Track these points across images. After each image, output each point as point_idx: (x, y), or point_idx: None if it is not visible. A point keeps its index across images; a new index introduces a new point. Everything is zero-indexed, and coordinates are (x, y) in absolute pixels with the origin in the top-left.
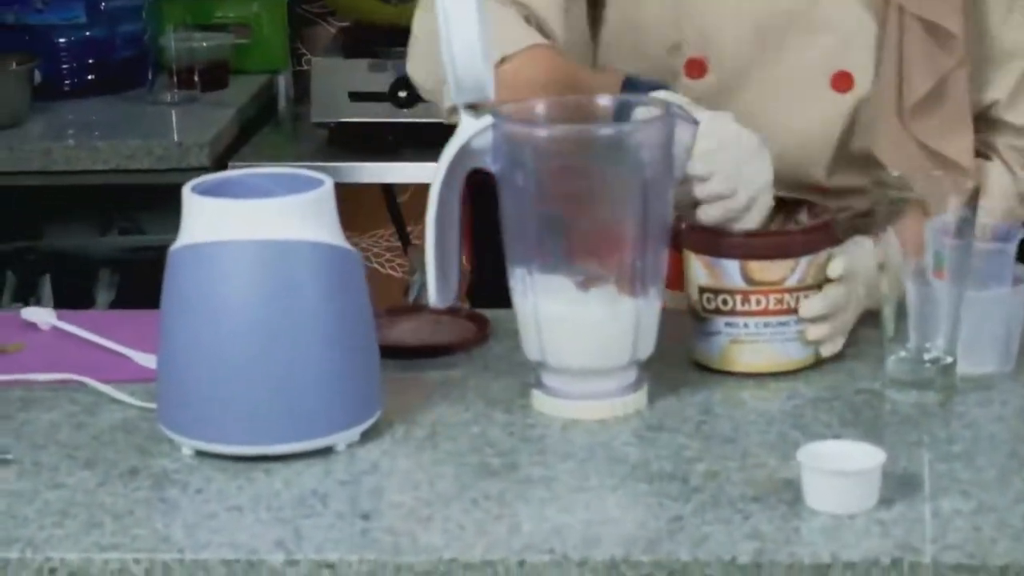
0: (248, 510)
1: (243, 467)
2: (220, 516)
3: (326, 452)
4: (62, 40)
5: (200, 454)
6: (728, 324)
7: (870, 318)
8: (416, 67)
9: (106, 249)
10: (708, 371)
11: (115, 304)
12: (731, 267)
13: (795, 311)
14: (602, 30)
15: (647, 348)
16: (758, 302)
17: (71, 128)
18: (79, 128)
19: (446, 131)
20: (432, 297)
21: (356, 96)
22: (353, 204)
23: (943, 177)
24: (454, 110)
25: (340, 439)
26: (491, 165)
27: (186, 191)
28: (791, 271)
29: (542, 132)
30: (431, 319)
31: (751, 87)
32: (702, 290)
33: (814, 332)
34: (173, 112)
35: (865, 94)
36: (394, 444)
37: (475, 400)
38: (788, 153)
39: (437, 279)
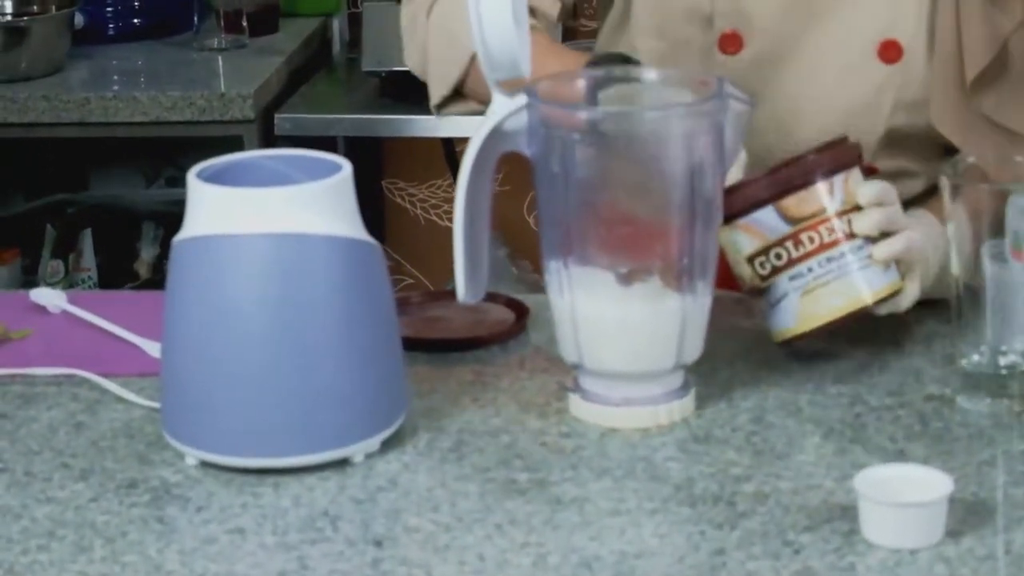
0: (251, 533)
1: (250, 480)
2: (220, 540)
3: (342, 464)
4: None
5: (205, 464)
6: (792, 277)
7: (943, 310)
8: (409, 55)
9: (150, 201)
10: (762, 372)
11: (160, 259)
12: (768, 216)
13: (854, 235)
14: (633, 7)
15: (695, 350)
16: (811, 239)
17: (112, 75)
18: (120, 75)
19: None
20: (460, 292)
21: None
22: (408, 153)
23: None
24: (442, 103)
25: (358, 450)
26: (525, 149)
27: (191, 177)
28: (829, 195)
29: (582, 113)
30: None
31: (791, 61)
32: (751, 258)
33: (880, 250)
34: (219, 59)
35: (917, 65)
36: (416, 455)
37: (507, 403)
38: (833, 133)
39: (466, 273)
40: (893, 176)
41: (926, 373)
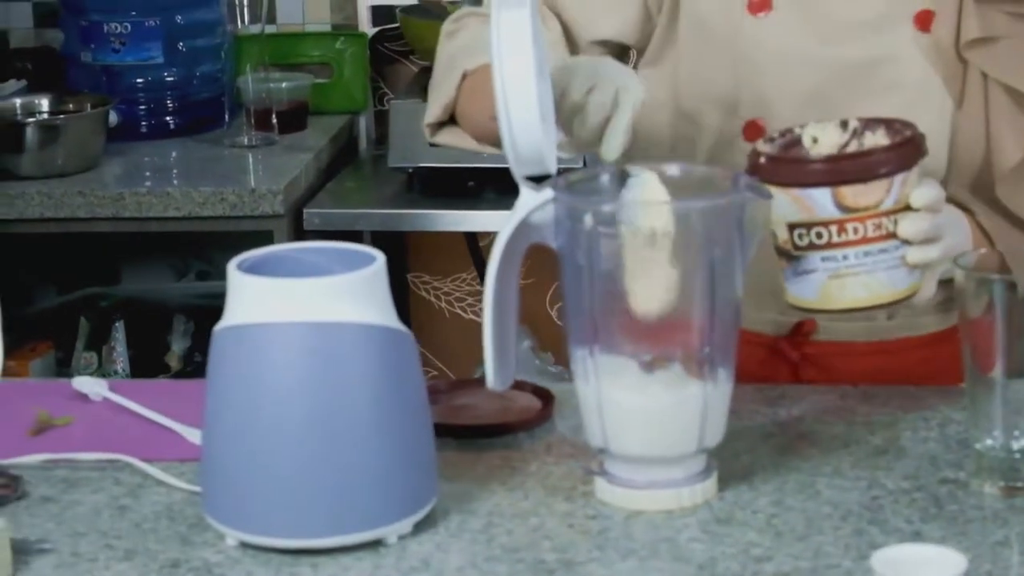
0: None
1: (288, 560)
2: None
3: (376, 544)
4: (139, 81)
5: (244, 545)
6: (825, 259)
7: (957, 397)
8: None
9: (181, 295)
10: (781, 457)
11: (190, 352)
12: (822, 196)
13: (894, 235)
14: (678, 86)
15: (716, 435)
16: (855, 230)
17: (146, 171)
18: (153, 172)
19: None
20: (490, 380)
21: None
22: (433, 246)
23: None
24: (436, 128)
25: (391, 531)
26: (552, 241)
27: (231, 268)
28: (887, 192)
29: (606, 207)
30: (494, 392)
31: None
32: (792, 226)
33: (915, 255)
34: (249, 155)
35: (940, 160)
36: (448, 536)
37: (535, 487)
38: None
39: (495, 361)
40: None
41: (941, 457)
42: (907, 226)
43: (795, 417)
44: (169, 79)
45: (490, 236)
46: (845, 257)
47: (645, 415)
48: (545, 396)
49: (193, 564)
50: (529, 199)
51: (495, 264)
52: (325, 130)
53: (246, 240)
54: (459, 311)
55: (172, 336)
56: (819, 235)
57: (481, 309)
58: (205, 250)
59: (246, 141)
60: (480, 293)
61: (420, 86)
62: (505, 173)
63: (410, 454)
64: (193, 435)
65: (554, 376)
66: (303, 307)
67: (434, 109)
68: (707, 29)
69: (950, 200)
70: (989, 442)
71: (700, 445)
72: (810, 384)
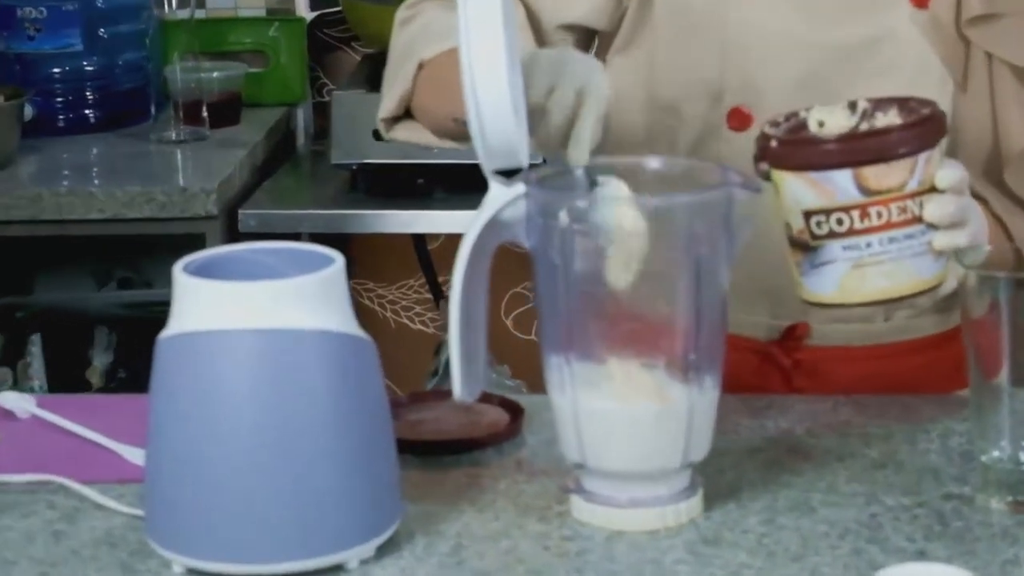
0: None
1: None
2: None
3: (336, 570)
4: (56, 71)
5: (192, 572)
6: (847, 247)
7: (958, 407)
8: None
9: (103, 304)
10: (770, 472)
11: (113, 367)
12: (843, 178)
13: (919, 220)
14: (655, 74)
15: (702, 448)
16: (879, 215)
17: (64, 170)
18: (73, 170)
19: (481, 173)
20: (457, 390)
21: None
22: (379, 251)
23: None
24: (390, 123)
25: (353, 555)
26: (524, 239)
27: (177, 271)
28: (911, 173)
29: (581, 203)
30: (458, 406)
31: None
32: (809, 214)
33: (943, 240)
34: (178, 152)
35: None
36: (414, 560)
37: (505, 507)
38: None
39: (462, 370)
40: None
41: (943, 471)
42: (934, 209)
43: (784, 430)
44: (89, 69)
45: (440, 239)
46: (868, 245)
47: (626, 426)
48: (514, 409)
49: None
50: (499, 195)
51: (462, 265)
52: (260, 124)
53: (176, 244)
54: (406, 321)
55: (93, 350)
56: (840, 222)
57: (430, 319)
58: (130, 256)
59: (174, 136)
60: (428, 302)
61: (364, 75)
62: (458, 170)
63: (373, 471)
64: (133, 454)
65: (511, 390)
66: (257, 313)
67: (388, 103)
68: (688, 11)
69: None
70: (996, 454)
71: (685, 459)
72: (803, 393)
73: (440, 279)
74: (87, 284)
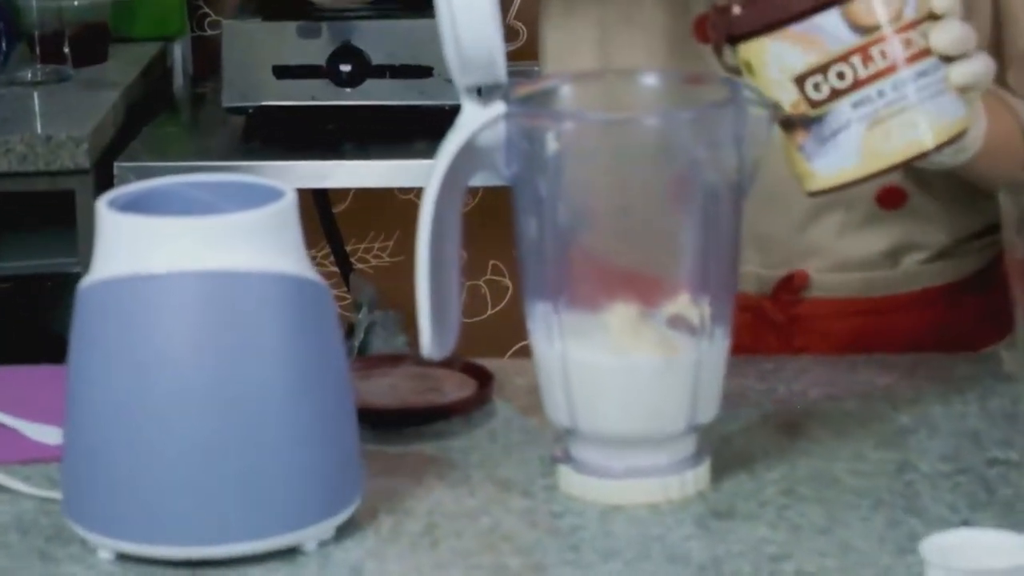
0: None
1: (181, 575)
2: None
3: (292, 553)
4: None
5: (123, 558)
6: (856, 104)
7: (996, 363)
8: None
9: None
10: (785, 440)
11: None
12: (831, 21)
13: (929, 52)
14: None
15: (710, 409)
16: (883, 54)
17: None
18: None
19: (405, 116)
20: (425, 346)
21: (282, 71)
22: None
23: None
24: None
25: (309, 536)
26: (503, 168)
27: (101, 208)
28: None
29: (569, 124)
30: (415, 372)
31: None
32: (801, 79)
33: (960, 70)
34: (36, 94)
35: None
36: (380, 542)
37: (482, 481)
38: None
39: (432, 322)
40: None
41: (985, 435)
42: (940, 35)
43: (797, 393)
44: None
45: (348, 197)
46: (881, 93)
47: (623, 383)
48: (480, 374)
49: None
50: (475, 116)
51: (431, 200)
52: (131, 61)
53: (39, 203)
54: None
55: None
56: (840, 75)
57: (336, 297)
58: None
59: (30, 76)
60: (336, 276)
61: (257, 2)
62: (373, 113)
63: (332, 439)
64: (38, 432)
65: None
66: (197, 253)
67: None
68: None
69: None
70: None
71: (691, 421)
72: (803, 353)
73: (348, 247)
74: None
